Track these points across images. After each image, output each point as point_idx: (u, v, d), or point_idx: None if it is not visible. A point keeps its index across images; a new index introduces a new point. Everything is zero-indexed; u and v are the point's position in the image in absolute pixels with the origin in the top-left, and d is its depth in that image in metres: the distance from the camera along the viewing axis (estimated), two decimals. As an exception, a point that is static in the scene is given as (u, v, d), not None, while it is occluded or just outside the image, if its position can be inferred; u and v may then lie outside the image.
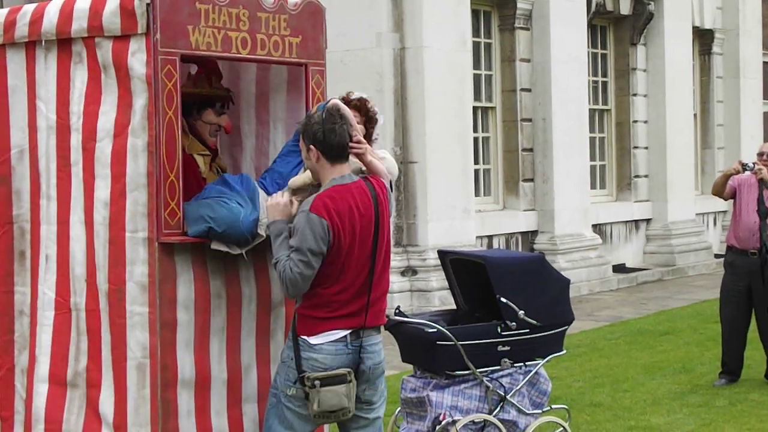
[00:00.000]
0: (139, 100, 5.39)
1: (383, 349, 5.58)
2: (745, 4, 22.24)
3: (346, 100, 5.96)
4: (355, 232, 5.29)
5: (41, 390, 5.76)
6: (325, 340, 5.31)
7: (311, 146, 5.33)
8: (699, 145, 21.81)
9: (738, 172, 9.60)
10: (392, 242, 14.03)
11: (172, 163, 5.38)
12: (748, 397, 9.21)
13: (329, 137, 5.29)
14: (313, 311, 5.33)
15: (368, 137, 6.03)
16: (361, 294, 5.36)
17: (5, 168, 5.92)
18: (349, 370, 5.34)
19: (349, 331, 5.35)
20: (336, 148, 5.33)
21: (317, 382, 5.27)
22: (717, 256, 19.92)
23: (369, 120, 6.09)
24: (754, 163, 9.51)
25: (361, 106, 6.05)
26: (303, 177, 5.61)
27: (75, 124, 5.61)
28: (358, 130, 5.59)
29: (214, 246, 5.49)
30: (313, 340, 5.31)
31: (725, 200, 10.09)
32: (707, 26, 21.52)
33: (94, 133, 5.53)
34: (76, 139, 5.61)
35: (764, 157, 9.65)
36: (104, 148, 5.50)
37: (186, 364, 5.52)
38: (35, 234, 5.84)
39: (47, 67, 5.72)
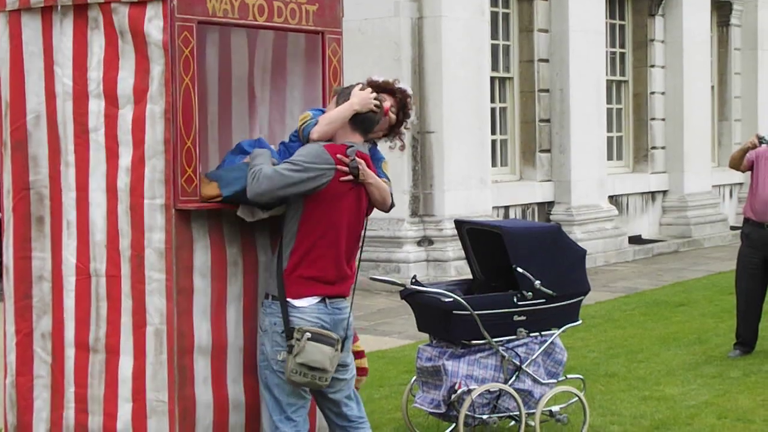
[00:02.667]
0: (157, 67, 5.38)
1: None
2: (765, -25, 22.10)
3: (389, 87, 6.01)
4: (352, 195, 5.49)
5: (70, 354, 5.80)
6: (307, 304, 5.44)
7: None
8: (716, 117, 21.72)
9: (755, 146, 9.56)
10: (409, 212, 14.22)
11: (189, 129, 5.38)
12: (762, 369, 9.21)
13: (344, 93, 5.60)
14: (303, 270, 5.44)
15: (398, 130, 6.08)
16: (343, 267, 5.55)
17: (21, 133, 5.91)
18: (338, 337, 5.45)
19: (325, 295, 5.50)
20: (365, 122, 5.59)
21: (307, 334, 5.35)
22: (733, 228, 19.89)
23: (404, 114, 6.09)
24: None
25: (403, 98, 6.06)
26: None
27: (95, 90, 5.61)
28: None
29: (240, 214, 5.52)
30: (298, 302, 5.43)
31: (743, 173, 10.06)
32: (726, -2, 21.39)
33: (115, 99, 5.53)
34: (96, 106, 5.60)
35: (783, 128, 9.62)
36: (126, 114, 5.50)
37: (202, 331, 5.53)
38: (56, 200, 5.84)
39: (63, 33, 5.71)
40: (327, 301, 5.49)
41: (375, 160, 5.76)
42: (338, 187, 5.45)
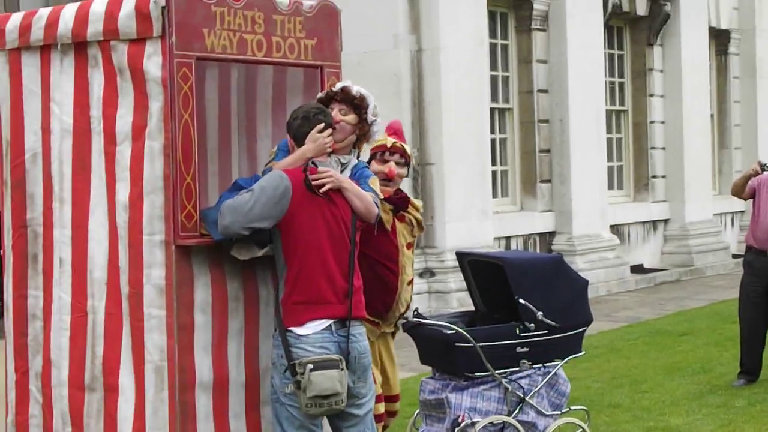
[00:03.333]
0: (156, 103, 5.39)
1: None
2: (762, 4, 22.16)
3: (330, 94, 5.83)
4: (324, 208, 5.44)
5: (63, 393, 5.78)
6: (312, 331, 5.38)
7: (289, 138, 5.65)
8: (716, 145, 21.74)
9: (757, 173, 9.57)
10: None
11: (189, 165, 5.39)
12: (767, 398, 9.17)
13: (293, 125, 5.60)
14: (297, 296, 5.41)
15: (363, 128, 5.84)
16: (342, 282, 5.48)
17: (20, 172, 5.93)
18: (340, 357, 5.39)
19: (332, 320, 5.42)
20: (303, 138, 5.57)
21: (309, 366, 5.29)
22: (735, 256, 19.85)
23: (357, 108, 5.82)
24: None
25: (344, 97, 5.81)
26: None
27: (96, 127, 5.63)
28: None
29: (234, 253, 5.50)
30: (300, 330, 5.37)
31: (744, 200, 10.06)
32: (723, 26, 21.46)
33: (114, 136, 5.55)
34: (97, 143, 5.62)
35: (781, 155, 9.63)
36: (124, 151, 5.51)
37: (204, 367, 5.52)
38: (48, 237, 5.85)
39: (63, 71, 5.73)
40: (333, 327, 5.42)
41: (361, 178, 5.73)
42: (304, 203, 5.40)
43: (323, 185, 5.46)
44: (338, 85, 5.86)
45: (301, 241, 5.40)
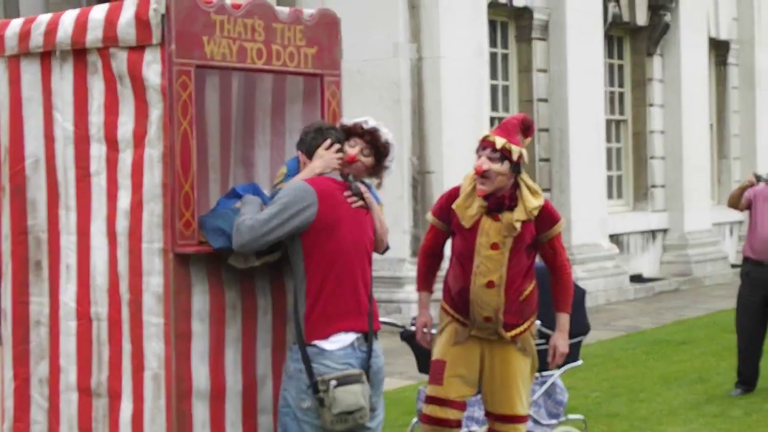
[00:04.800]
0: (155, 111, 5.40)
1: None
2: (761, 15, 22.21)
3: (357, 129, 5.72)
4: (349, 220, 5.41)
5: (72, 398, 5.77)
6: (337, 346, 5.34)
7: (299, 152, 5.62)
8: (715, 155, 21.77)
9: (753, 184, 9.59)
10: (410, 252, 14.20)
11: (187, 173, 5.39)
12: (764, 407, 9.19)
13: (305, 140, 5.61)
14: (319, 310, 5.35)
15: (380, 169, 5.78)
16: (364, 296, 5.47)
17: (20, 178, 5.93)
18: (361, 371, 5.38)
19: (356, 336, 5.41)
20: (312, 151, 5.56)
21: (333, 383, 5.26)
22: (733, 266, 19.87)
23: (379, 154, 5.73)
24: None
25: (373, 138, 5.72)
26: None
27: (96, 134, 5.63)
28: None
29: (231, 261, 5.51)
30: (326, 345, 5.33)
31: (741, 212, 10.08)
32: (723, 37, 21.49)
33: (116, 143, 5.55)
34: (97, 150, 5.62)
35: (778, 167, 9.66)
36: (126, 158, 5.52)
37: (201, 375, 5.52)
38: (54, 244, 5.85)
39: (63, 78, 5.74)
40: (356, 343, 5.39)
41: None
42: (331, 214, 5.37)
43: (360, 198, 5.49)
44: (370, 124, 5.74)
45: (327, 252, 5.36)
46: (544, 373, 6.97)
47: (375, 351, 5.50)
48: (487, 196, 6.03)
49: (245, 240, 5.29)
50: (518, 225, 6.00)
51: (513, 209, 6.02)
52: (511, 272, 6.04)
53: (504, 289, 6.03)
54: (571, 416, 7.43)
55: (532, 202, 6.03)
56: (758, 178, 9.51)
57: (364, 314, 5.46)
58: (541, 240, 6.13)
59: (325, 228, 5.35)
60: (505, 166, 5.98)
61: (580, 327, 7.17)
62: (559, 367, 7.02)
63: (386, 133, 5.76)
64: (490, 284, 6.03)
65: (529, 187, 6.08)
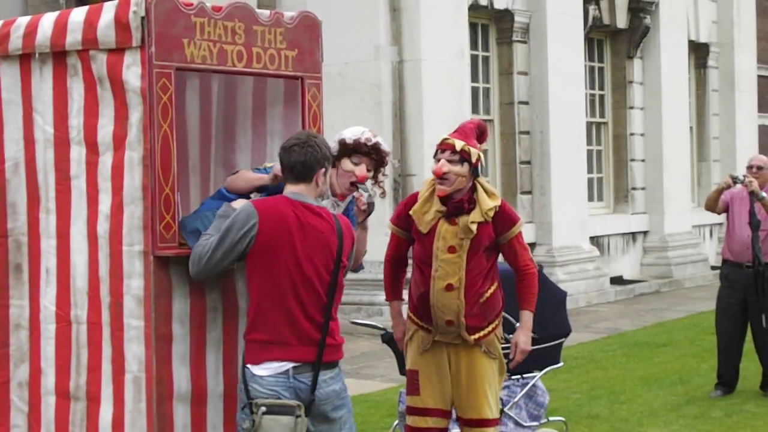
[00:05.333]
0: (135, 114, 5.39)
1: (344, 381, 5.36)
2: (740, 18, 22.31)
3: (362, 148, 5.82)
4: (294, 246, 5.14)
5: (50, 402, 5.76)
6: (267, 373, 5.12)
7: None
8: (695, 157, 21.85)
9: (729, 186, 9.62)
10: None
11: (168, 176, 5.38)
12: (744, 408, 9.22)
13: (284, 156, 5.28)
14: (256, 334, 5.17)
15: (375, 180, 5.96)
16: (306, 324, 5.16)
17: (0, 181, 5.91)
18: (298, 404, 5.10)
19: (293, 365, 5.14)
20: (293, 168, 5.27)
21: (262, 409, 5.06)
22: (713, 267, 19.94)
23: (380, 165, 5.92)
24: (744, 176, 9.53)
25: (378, 157, 5.88)
26: None
27: (76, 137, 5.61)
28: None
29: None
30: (257, 370, 5.15)
31: (719, 214, 10.13)
32: (703, 40, 21.58)
33: (96, 146, 5.53)
34: (77, 153, 5.60)
35: (754, 169, 9.69)
36: (106, 161, 5.50)
37: (182, 378, 5.50)
38: (34, 247, 5.83)
39: (42, 80, 5.72)
40: (292, 372, 5.13)
41: (352, 208, 5.80)
42: (273, 239, 5.12)
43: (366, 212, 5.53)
44: (372, 140, 5.84)
45: (264, 279, 5.15)
46: (525, 375, 6.99)
47: (325, 381, 5.20)
48: (446, 201, 6.04)
49: (197, 270, 5.26)
50: (474, 227, 5.98)
51: (470, 212, 6.03)
52: (470, 275, 6.01)
53: (464, 292, 6.01)
54: (552, 418, 7.45)
55: (487, 203, 6.04)
56: (735, 180, 9.55)
57: (308, 344, 5.16)
58: (501, 242, 6.12)
59: (266, 253, 5.13)
60: (464, 168, 6.00)
61: (561, 329, 7.19)
62: (540, 369, 7.05)
63: (384, 144, 5.88)
64: (449, 287, 6.01)
65: (485, 190, 6.10)
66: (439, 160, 6.03)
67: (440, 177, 5.98)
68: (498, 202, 6.07)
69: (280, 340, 5.14)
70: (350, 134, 5.87)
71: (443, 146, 6.08)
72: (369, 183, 5.95)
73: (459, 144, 6.02)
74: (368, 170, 5.86)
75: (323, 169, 5.29)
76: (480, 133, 6.18)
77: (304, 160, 5.23)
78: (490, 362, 6.13)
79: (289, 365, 5.14)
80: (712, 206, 9.92)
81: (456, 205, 6.02)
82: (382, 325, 7.17)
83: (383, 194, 6.03)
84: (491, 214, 6.03)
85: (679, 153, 20.13)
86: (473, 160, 6.00)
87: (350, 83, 14.38)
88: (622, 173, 19.64)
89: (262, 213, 5.16)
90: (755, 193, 9.42)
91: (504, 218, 6.10)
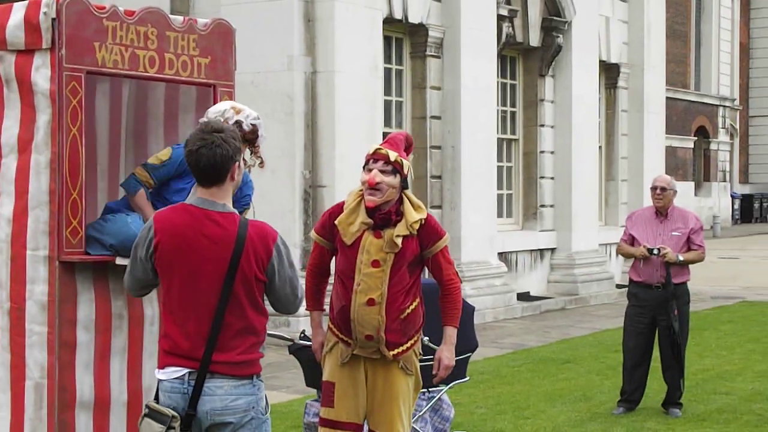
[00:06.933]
0: (43, 117, 5.31)
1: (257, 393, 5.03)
2: (650, 40, 22.66)
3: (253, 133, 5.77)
4: (188, 257, 4.87)
5: None
6: (166, 377, 4.92)
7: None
8: (603, 176, 22.11)
9: (644, 257, 9.75)
10: (300, 266, 14.18)
11: (75, 180, 5.31)
12: (645, 425, 9.33)
13: (191, 159, 4.85)
14: (161, 341, 5.01)
15: (252, 149, 5.85)
16: (198, 331, 4.89)
17: None
18: (174, 415, 4.88)
19: (187, 371, 4.88)
20: (203, 172, 4.87)
21: (146, 410, 4.91)
22: (618, 286, 20.18)
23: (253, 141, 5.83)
24: (658, 248, 9.66)
25: (253, 138, 5.79)
26: None
27: None
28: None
29: (119, 261, 5.43)
30: (159, 374, 4.97)
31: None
32: (613, 60, 21.87)
33: None
34: None
35: (657, 191, 9.84)
36: (10, 164, 5.42)
37: (85, 386, 5.43)
38: None
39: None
40: (187, 377, 4.86)
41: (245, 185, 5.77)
42: (168, 250, 4.85)
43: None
44: (249, 120, 5.72)
45: (164, 288, 4.93)
46: (432, 389, 7.00)
47: (210, 389, 4.89)
48: (373, 213, 5.98)
49: (128, 289, 5.05)
50: (399, 241, 5.93)
51: (396, 225, 5.98)
52: (392, 290, 5.96)
53: (385, 308, 5.95)
54: (457, 432, 7.47)
55: (413, 216, 5.99)
56: (650, 252, 9.70)
57: (194, 360, 4.88)
58: (426, 255, 6.08)
59: (165, 264, 4.90)
60: (396, 180, 5.96)
61: (467, 344, 7.22)
62: (446, 383, 7.06)
63: (254, 119, 5.75)
64: (370, 302, 5.94)
65: (412, 203, 6.06)
66: (371, 170, 5.95)
67: (372, 187, 5.92)
68: (424, 215, 6.03)
69: (175, 347, 4.90)
70: (213, 113, 5.61)
71: (376, 156, 6.00)
72: (247, 152, 5.82)
73: (393, 155, 5.97)
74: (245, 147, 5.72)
75: (236, 163, 4.94)
76: (408, 145, 6.16)
77: (215, 162, 4.80)
78: (407, 379, 6.10)
79: (185, 371, 4.89)
80: (627, 256, 10.21)
81: (383, 216, 5.96)
82: (289, 336, 7.13)
83: (262, 164, 5.89)
84: (416, 227, 5.98)
85: (587, 172, 20.36)
86: (405, 171, 5.99)
87: (263, 93, 14.32)
88: (532, 190, 19.81)
89: (159, 227, 4.88)
90: (671, 262, 9.61)
91: (430, 232, 6.05)
